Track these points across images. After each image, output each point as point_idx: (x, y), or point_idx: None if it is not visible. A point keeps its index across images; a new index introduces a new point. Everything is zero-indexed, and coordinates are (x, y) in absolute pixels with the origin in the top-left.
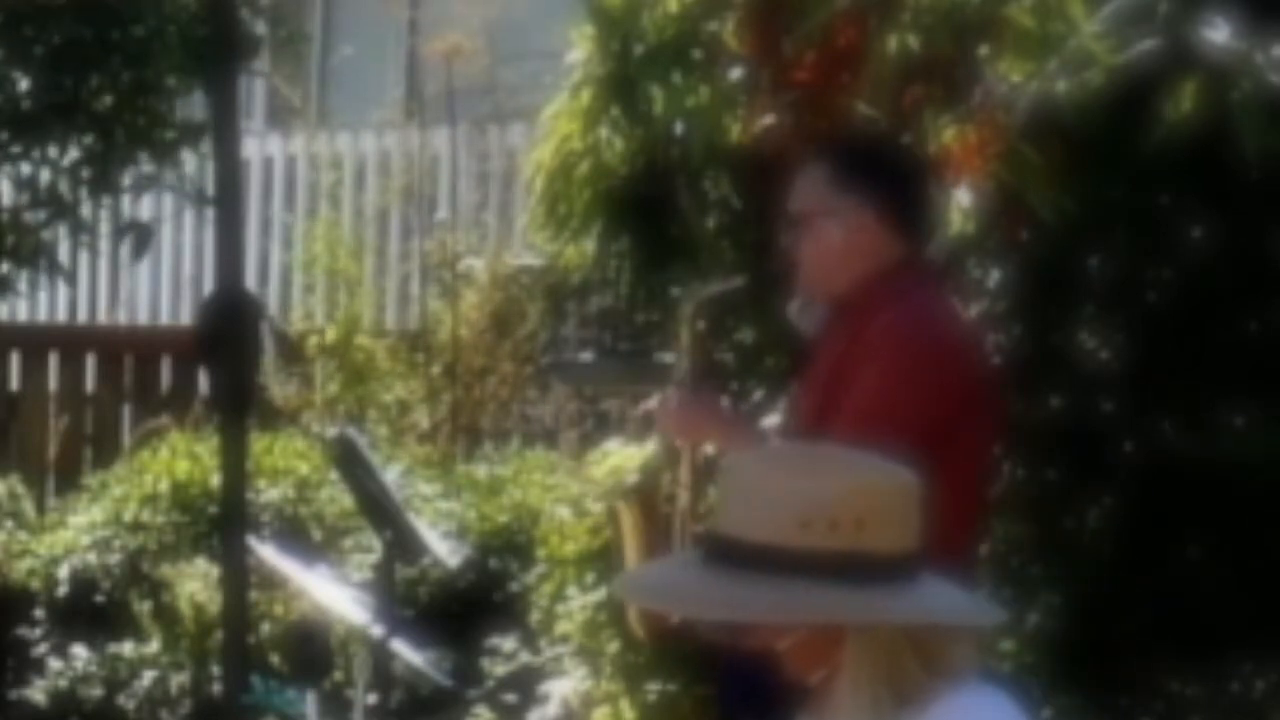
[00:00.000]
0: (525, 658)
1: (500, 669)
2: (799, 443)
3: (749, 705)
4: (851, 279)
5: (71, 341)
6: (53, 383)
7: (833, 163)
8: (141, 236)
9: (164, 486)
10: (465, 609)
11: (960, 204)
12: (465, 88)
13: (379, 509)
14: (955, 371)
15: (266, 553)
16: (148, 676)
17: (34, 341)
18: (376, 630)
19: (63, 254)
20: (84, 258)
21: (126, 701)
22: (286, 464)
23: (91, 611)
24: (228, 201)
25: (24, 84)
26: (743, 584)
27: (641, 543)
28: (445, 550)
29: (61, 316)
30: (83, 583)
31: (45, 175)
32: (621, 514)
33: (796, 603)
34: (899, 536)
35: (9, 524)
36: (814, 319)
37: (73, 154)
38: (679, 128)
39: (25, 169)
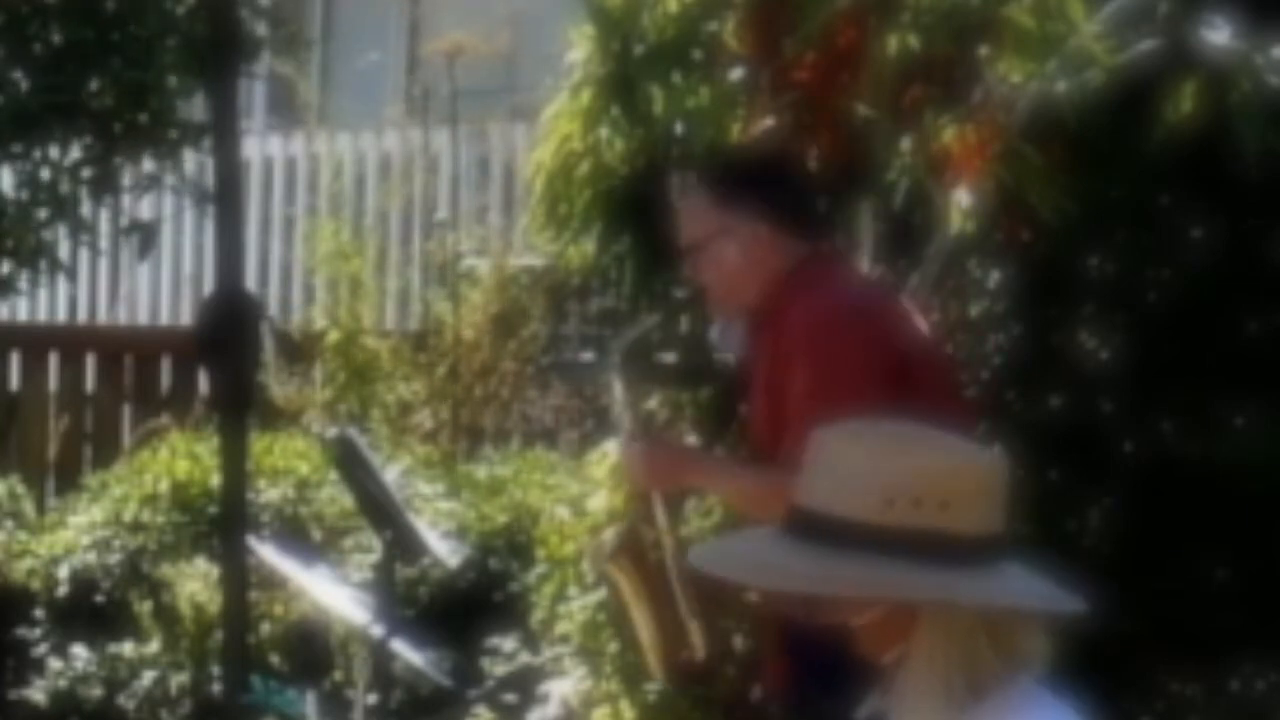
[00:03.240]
0: (525, 658)
1: (500, 669)
2: (888, 422)
3: (822, 681)
4: (759, 289)
5: (71, 341)
6: (53, 383)
7: (712, 186)
8: (146, 237)
9: (164, 486)
10: (465, 609)
11: (960, 204)
12: (478, 84)
13: (379, 509)
14: (880, 337)
15: (266, 553)
16: (148, 676)
17: (34, 341)
18: (376, 630)
19: (63, 254)
20: (84, 258)
21: (126, 701)
22: (286, 464)
23: (91, 611)
24: (228, 201)
25: (24, 84)
26: (822, 558)
27: (644, 596)
28: (445, 550)
29: (61, 316)
30: (83, 583)
31: (45, 175)
32: (616, 577)
33: (876, 579)
34: (983, 519)
35: (9, 524)
36: (735, 338)
37: (73, 154)
38: (679, 128)
39: (25, 168)
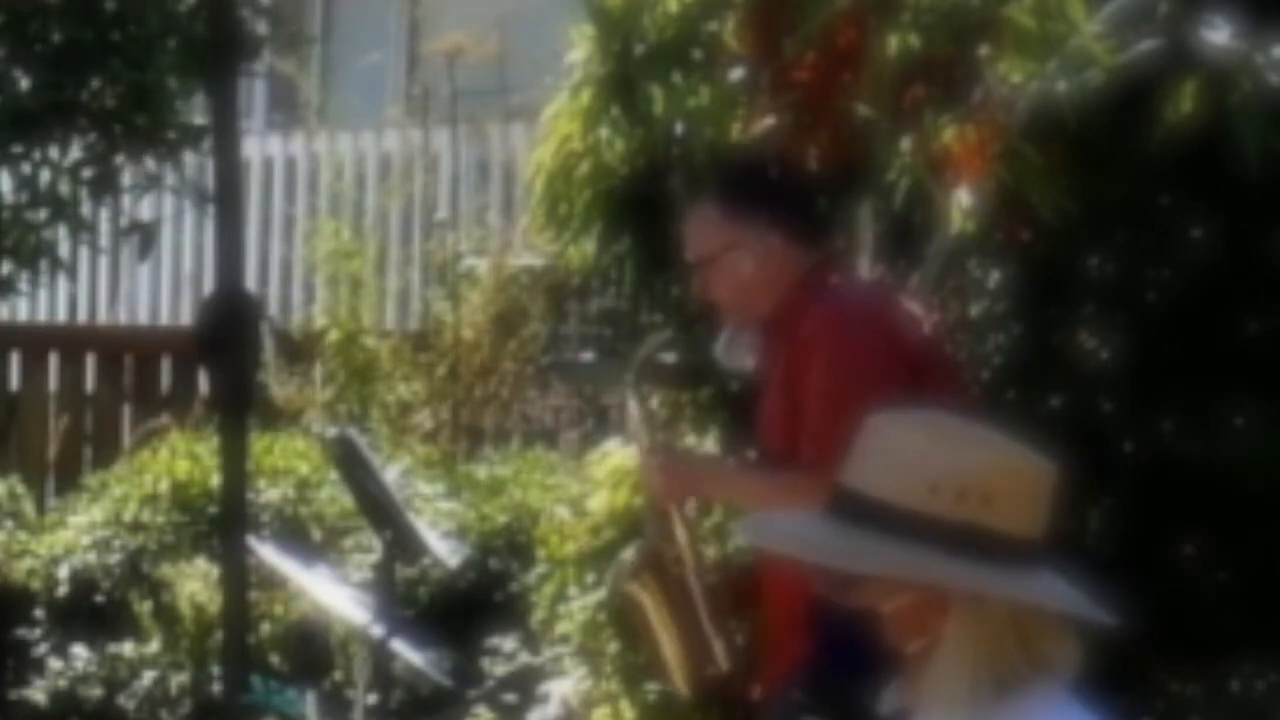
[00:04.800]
0: (525, 658)
1: (500, 669)
2: (944, 412)
3: (845, 665)
4: (772, 299)
5: (71, 341)
6: (53, 383)
7: (722, 198)
8: (146, 237)
9: (164, 486)
10: (465, 609)
11: (960, 204)
12: (475, 85)
13: (379, 509)
14: (891, 337)
15: (266, 553)
16: (148, 676)
17: (34, 341)
18: (376, 630)
19: (63, 254)
20: (84, 258)
21: (126, 701)
22: (286, 464)
23: (91, 611)
24: (228, 202)
25: (24, 84)
26: (859, 538)
27: (668, 612)
28: (445, 550)
29: (61, 316)
30: (83, 583)
31: (45, 175)
32: (639, 595)
33: (907, 561)
34: (1023, 521)
35: (9, 524)
36: (742, 349)
37: (74, 154)
38: (679, 128)
39: (26, 169)
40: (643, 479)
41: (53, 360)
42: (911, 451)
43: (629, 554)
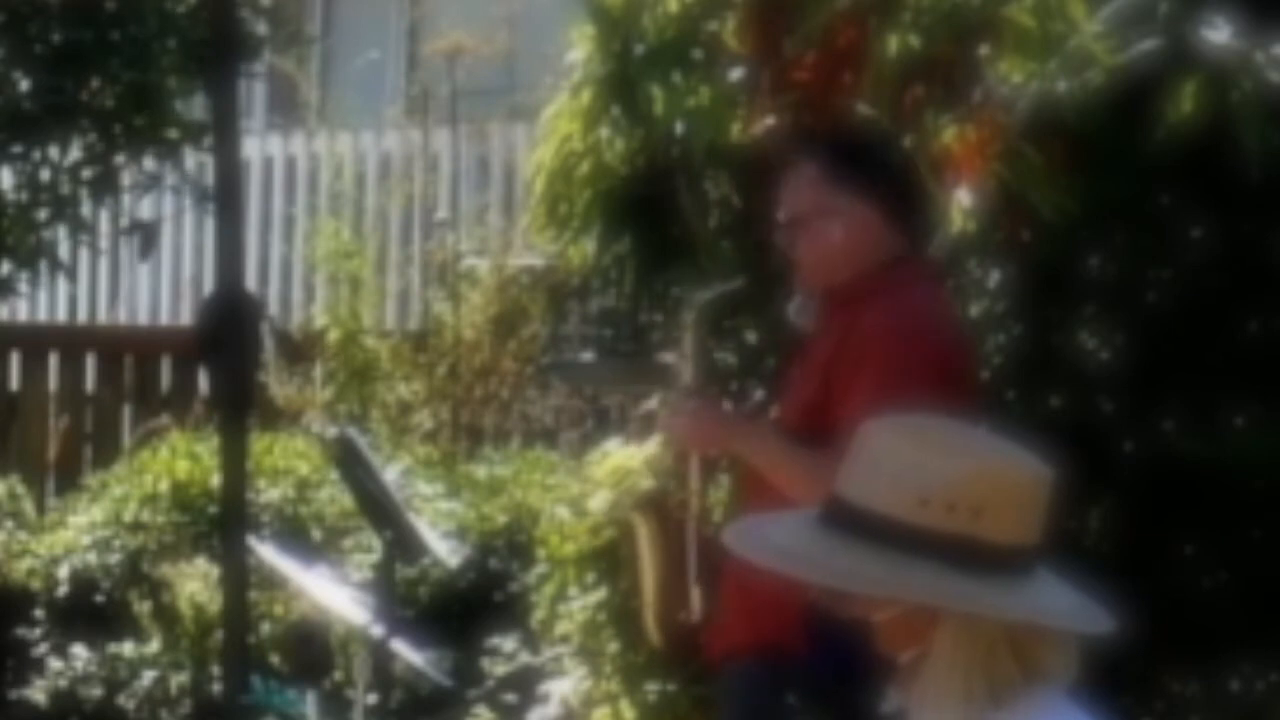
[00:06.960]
0: (525, 658)
1: (500, 669)
2: (940, 419)
3: (841, 673)
4: (852, 274)
5: (71, 341)
6: (53, 383)
7: (826, 161)
8: (147, 237)
9: (164, 486)
10: (465, 609)
11: (960, 204)
12: (478, 85)
13: (379, 509)
14: (951, 365)
15: (266, 553)
16: (148, 676)
17: (34, 341)
18: (376, 630)
19: (63, 254)
20: (84, 257)
21: (126, 701)
22: (286, 464)
23: (91, 611)
24: (228, 201)
25: (24, 85)
26: (851, 552)
27: (658, 551)
28: (445, 550)
29: (61, 316)
30: (83, 583)
31: (45, 175)
32: (637, 525)
33: (898, 580)
34: (1017, 529)
35: (9, 524)
36: (811, 315)
37: (74, 154)
38: (679, 128)
39: (25, 169)
40: (670, 419)
41: (53, 360)
42: (902, 462)
43: (640, 484)
